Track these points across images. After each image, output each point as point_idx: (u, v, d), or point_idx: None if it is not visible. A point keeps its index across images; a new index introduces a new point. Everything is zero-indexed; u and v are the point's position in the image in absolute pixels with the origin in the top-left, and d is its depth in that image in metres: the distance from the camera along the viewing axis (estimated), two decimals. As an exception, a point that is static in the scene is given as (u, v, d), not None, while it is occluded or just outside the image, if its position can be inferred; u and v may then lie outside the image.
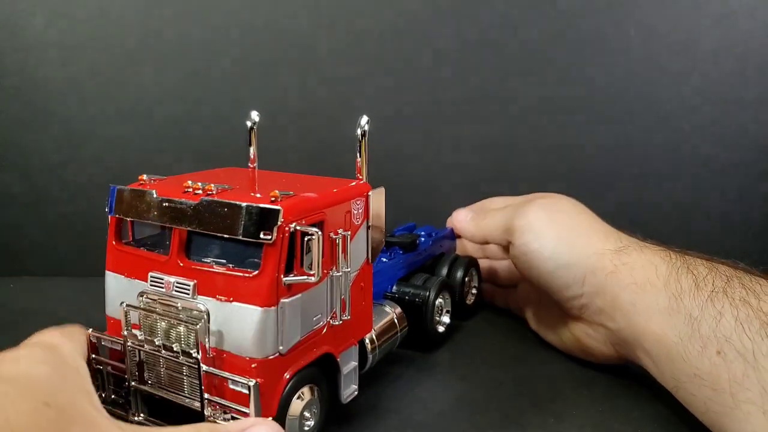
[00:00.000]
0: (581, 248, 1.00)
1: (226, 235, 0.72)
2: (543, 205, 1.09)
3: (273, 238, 0.70)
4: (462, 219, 1.26)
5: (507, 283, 1.32)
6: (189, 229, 0.75)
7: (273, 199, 0.73)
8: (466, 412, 0.93)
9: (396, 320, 1.02)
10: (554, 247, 1.02)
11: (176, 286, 0.75)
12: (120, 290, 0.80)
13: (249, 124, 0.81)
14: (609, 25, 1.51)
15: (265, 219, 0.70)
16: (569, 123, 1.55)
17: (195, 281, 0.74)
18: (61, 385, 0.62)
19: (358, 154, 0.86)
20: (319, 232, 0.72)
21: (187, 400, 0.75)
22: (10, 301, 1.35)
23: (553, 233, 1.04)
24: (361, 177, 0.87)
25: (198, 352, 0.72)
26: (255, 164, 0.81)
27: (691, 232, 1.58)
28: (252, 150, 0.82)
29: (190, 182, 0.78)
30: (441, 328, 1.15)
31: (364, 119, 0.85)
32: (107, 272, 0.83)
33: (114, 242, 0.83)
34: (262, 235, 0.70)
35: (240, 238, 0.71)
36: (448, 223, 1.34)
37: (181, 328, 0.73)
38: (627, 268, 0.95)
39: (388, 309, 1.03)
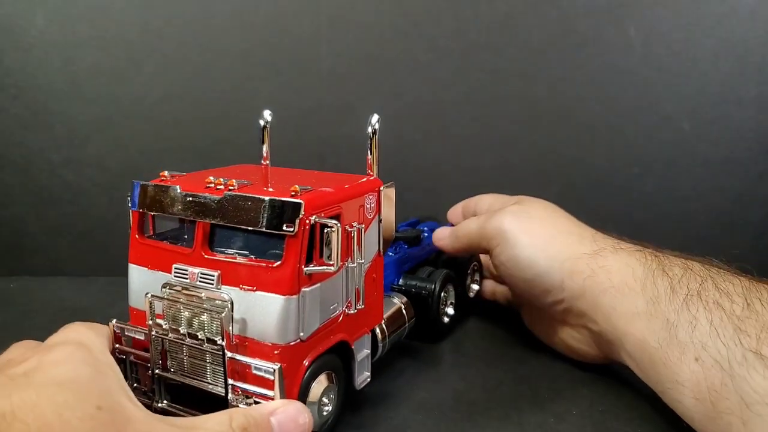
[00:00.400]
0: (556, 254, 1.00)
1: (249, 228, 0.75)
2: (515, 213, 1.08)
3: (295, 230, 0.74)
4: (441, 237, 1.21)
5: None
6: (213, 222, 0.78)
7: (293, 193, 0.76)
8: (466, 412, 0.93)
9: (404, 311, 1.07)
10: (529, 255, 1.02)
11: (200, 277, 0.78)
12: (143, 282, 0.83)
13: (262, 122, 0.83)
14: (609, 25, 1.51)
15: (288, 212, 0.74)
16: (569, 123, 1.56)
17: (219, 272, 0.77)
18: (105, 385, 0.63)
19: (368, 151, 0.89)
20: (338, 224, 0.76)
21: (210, 386, 0.77)
22: (10, 301, 1.36)
23: (526, 241, 1.03)
24: (372, 173, 0.91)
25: (222, 339, 0.75)
26: (268, 161, 0.83)
27: (691, 231, 1.58)
28: (265, 148, 0.83)
29: (212, 178, 0.81)
30: (446, 319, 1.20)
31: (375, 117, 0.88)
32: (131, 265, 0.85)
33: (137, 236, 0.85)
34: (285, 227, 0.74)
35: (263, 230, 0.75)
36: (448, 219, 1.34)
37: (205, 317, 0.76)
38: (604, 272, 0.95)
39: (396, 300, 1.07)
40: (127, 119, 1.50)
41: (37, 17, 1.45)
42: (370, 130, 0.88)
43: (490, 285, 1.36)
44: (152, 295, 0.80)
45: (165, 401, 0.82)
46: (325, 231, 0.76)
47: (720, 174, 1.57)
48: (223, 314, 0.75)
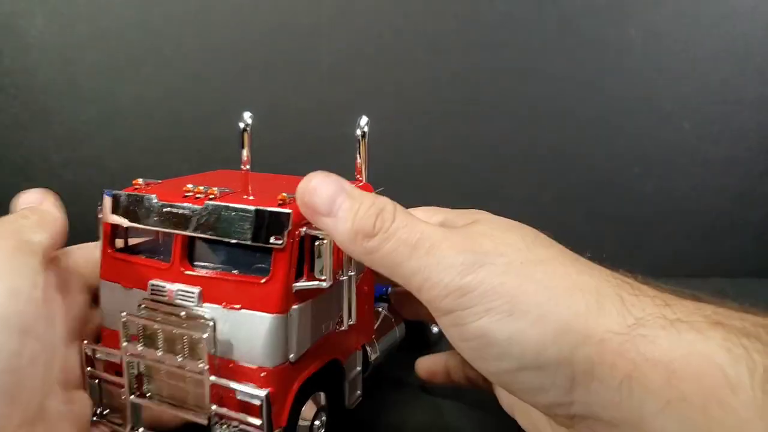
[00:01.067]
0: (562, 331, 0.55)
1: (233, 241, 0.69)
2: (492, 264, 0.59)
3: (284, 243, 0.68)
4: (327, 207, 0.65)
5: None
6: (193, 235, 0.72)
7: (281, 202, 0.70)
8: (466, 412, 0.93)
9: (395, 323, 1.01)
10: (511, 335, 0.56)
11: (179, 294, 0.72)
12: (116, 300, 0.76)
13: (242, 125, 0.77)
14: (609, 25, 1.51)
15: (276, 223, 0.68)
16: (569, 123, 1.55)
17: (200, 288, 0.71)
18: None
19: (357, 155, 0.82)
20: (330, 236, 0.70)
21: (192, 414, 0.71)
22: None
23: (505, 306, 0.56)
24: (361, 178, 0.84)
25: (204, 363, 0.68)
26: (248, 167, 0.78)
27: (691, 231, 1.58)
28: (245, 152, 0.77)
29: (190, 186, 0.75)
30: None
31: (364, 120, 0.81)
32: (102, 281, 0.78)
33: (108, 250, 0.79)
34: (273, 240, 0.68)
35: (249, 243, 0.69)
36: None
37: (186, 338, 0.70)
38: (660, 369, 0.51)
39: (386, 312, 1.01)
40: (127, 119, 1.50)
41: (36, 17, 1.45)
42: (358, 132, 0.81)
43: (433, 360, 0.94)
44: (127, 314, 0.73)
45: (141, 429, 0.76)
46: (316, 243, 0.69)
47: (720, 174, 1.57)
48: (205, 335, 0.68)
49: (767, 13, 1.49)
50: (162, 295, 0.73)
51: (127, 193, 0.78)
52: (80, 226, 1.65)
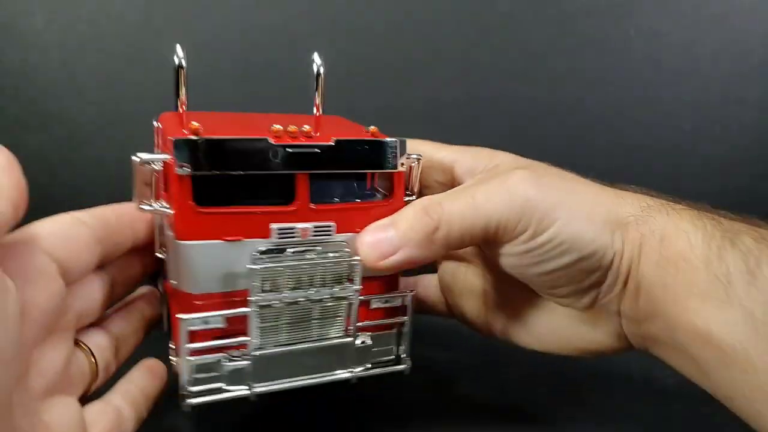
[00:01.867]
0: (603, 222, 0.73)
1: (367, 171, 0.78)
2: (528, 179, 0.77)
3: (404, 166, 0.80)
4: (387, 247, 0.74)
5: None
6: (325, 171, 0.74)
7: (371, 133, 0.81)
8: (465, 411, 0.93)
9: None
10: (575, 231, 0.73)
11: (315, 231, 0.74)
12: (218, 257, 0.72)
13: (177, 61, 0.79)
14: (609, 25, 1.51)
15: (398, 150, 0.78)
16: (569, 123, 1.55)
17: (334, 222, 0.75)
18: None
19: (316, 93, 0.88)
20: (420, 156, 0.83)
21: (333, 340, 0.77)
22: (10, 302, 1.36)
23: (564, 211, 0.73)
24: (319, 112, 0.88)
25: (358, 283, 0.76)
26: (184, 107, 0.82)
27: (691, 232, 1.58)
28: (183, 92, 0.83)
29: (276, 126, 0.74)
30: None
31: (318, 58, 0.90)
32: (188, 243, 0.70)
33: (192, 207, 0.70)
34: (400, 165, 0.78)
35: (386, 170, 0.78)
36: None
37: (335, 269, 0.75)
38: (655, 238, 0.72)
39: None
40: (127, 119, 1.50)
41: (36, 17, 1.45)
42: (315, 69, 0.88)
43: (437, 285, 0.99)
44: (260, 266, 0.71)
45: (266, 383, 0.76)
46: (412, 165, 0.82)
47: (721, 173, 1.57)
48: (355, 258, 0.75)
49: (767, 13, 1.49)
50: (292, 236, 0.73)
51: (230, 138, 0.71)
52: (80, 226, 1.64)
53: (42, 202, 1.64)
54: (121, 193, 1.59)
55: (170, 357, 0.79)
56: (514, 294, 0.86)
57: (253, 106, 1.08)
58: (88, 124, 1.50)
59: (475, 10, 1.51)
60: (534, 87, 1.54)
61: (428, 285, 0.98)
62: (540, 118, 1.55)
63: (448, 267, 0.96)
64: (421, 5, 1.51)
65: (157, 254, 0.81)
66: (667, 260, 0.70)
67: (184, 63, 0.81)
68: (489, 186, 0.76)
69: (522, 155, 1.62)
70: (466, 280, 0.93)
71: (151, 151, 0.82)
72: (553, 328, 0.84)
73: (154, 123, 0.87)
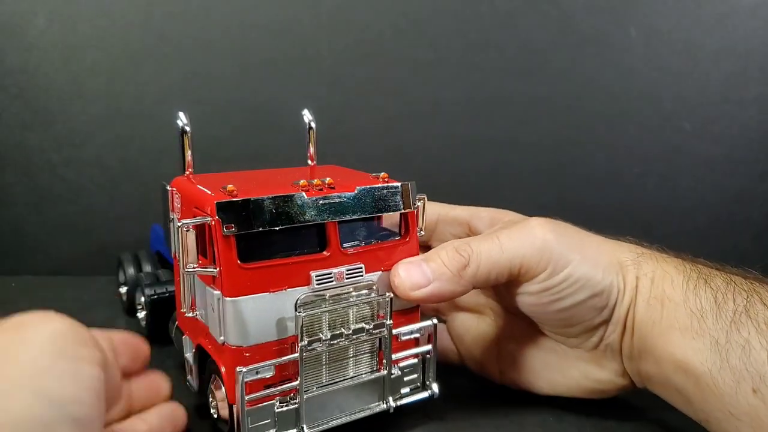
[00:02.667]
0: (608, 264, 0.84)
1: (385, 214, 0.86)
2: (545, 223, 0.86)
3: (416, 206, 0.87)
4: (417, 281, 0.82)
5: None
6: (351, 218, 0.81)
7: (383, 179, 0.87)
8: (465, 411, 0.93)
9: None
10: (586, 272, 0.82)
11: (348, 273, 0.81)
12: (264, 309, 0.77)
13: (180, 125, 0.87)
14: (609, 25, 1.51)
15: (410, 193, 0.86)
16: (569, 123, 1.56)
17: (363, 263, 0.82)
18: None
19: (309, 145, 1.01)
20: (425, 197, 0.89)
21: (370, 375, 0.84)
22: (11, 301, 1.36)
23: (577, 254, 0.83)
24: (314, 163, 1.03)
25: (390, 318, 0.82)
26: (191, 170, 0.89)
27: (692, 232, 1.58)
28: (188, 154, 0.90)
29: (304, 181, 0.81)
30: None
31: (307, 114, 1.01)
32: (236, 299, 0.75)
33: (239, 263, 0.75)
34: (413, 206, 0.87)
35: (401, 211, 0.86)
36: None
37: (368, 307, 0.82)
38: (647, 280, 0.83)
39: None
40: (127, 119, 1.50)
41: (37, 17, 1.45)
42: (307, 123, 1.00)
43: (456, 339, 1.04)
44: (305, 313, 0.76)
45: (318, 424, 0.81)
46: (418, 204, 0.88)
47: (721, 173, 1.57)
48: (386, 296, 0.81)
49: (767, 13, 1.49)
50: (329, 281, 0.80)
51: (269, 196, 0.76)
52: (81, 225, 1.66)
53: (43, 202, 1.65)
54: (122, 193, 1.60)
55: (213, 412, 0.83)
56: (525, 341, 0.94)
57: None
58: (89, 124, 1.50)
59: (476, 10, 1.51)
60: (534, 87, 1.54)
61: (440, 336, 0.98)
62: (540, 117, 1.55)
63: (459, 318, 1.03)
64: (422, 5, 1.51)
65: (188, 314, 0.83)
66: (655, 299, 0.81)
67: (188, 128, 0.87)
68: (512, 231, 0.85)
69: (522, 155, 1.63)
70: (479, 330, 1.00)
71: (163, 178, 0.92)
72: (563, 370, 0.91)
73: (168, 187, 0.91)
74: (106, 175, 1.52)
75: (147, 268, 1.29)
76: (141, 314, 1.18)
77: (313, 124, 1.02)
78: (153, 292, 1.12)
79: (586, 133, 1.56)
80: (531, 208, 1.62)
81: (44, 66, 1.47)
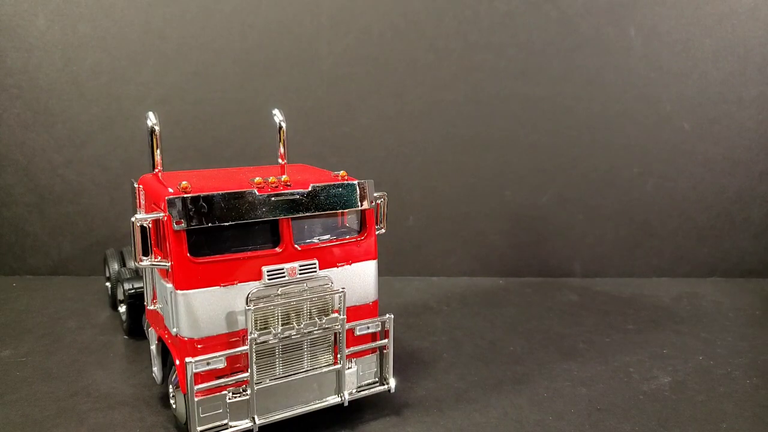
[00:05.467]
0: None
1: (341, 211, 0.86)
2: None
3: (374, 204, 0.89)
4: None
5: None
6: (304, 215, 0.83)
7: (341, 177, 0.88)
8: (465, 410, 0.94)
9: None
10: None
11: (301, 269, 0.82)
12: (216, 302, 0.79)
13: (150, 124, 0.87)
14: (609, 25, 1.51)
15: (367, 190, 0.87)
16: (569, 123, 1.56)
17: (317, 259, 0.83)
18: None
19: (281, 144, 1.04)
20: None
21: (324, 368, 0.85)
22: (12, 300, 1.36)
23: None
24: (284, 162, 1.05)
25: (344, 313, 0.84)
26: (160, 168, 0.89)
27: (691, 231, 1.59)
28: (158, 154, 0.90)
29: (259, 179, 0.82)
30: None
31: (279, 114, 1.04)
32: (188, 292, 0.77)
33: (188, 258, 0.77)
34: (367, 203, 0.87)
35: (358, 209, 0.87)
36: None
37: (321, 302, 0.83)
38: None
39: None
40: (128, 119, 1.51)
41: (38, 18, 1.46)
42: (277, 123, 1.03)
43: None
44: (256, 304, 0.79)
45: (269, 415, 0.82)
46: (378, 202, 0.90)
47: (720, 174, 1.57)
48: (340, 291, 0.84)
49: (767, 13, 1.49)
50: (281, 276, 0.81)
51: (219, 193, 0.78)
52: (82, 225, 1.66)
53: (43, 202, 1.65)
54: (122, 193, 1.60)
55: (172, 402, 0.85)
56: None
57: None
58: (90, 124, 1.51)
59: (476, 10, 1.51)
60: (534, 87, 1.54)
61: None
62: (539, 118, 1.55)
63: None
64: (422, 5, 1.51)
65: (150, 308, 0.88)
66: None
67: (157, 128, 0.89)
68: None
69: (522, 155, 1.63)
70: None
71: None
72: None
73: (135, 184, 0.92)
74: (106, 175, 1.52)
75: (131, 263, 1.30)
76: (122, 308, 1.20)
77: (283, 124, 1.04)
78: (131, 287, 1.13)
79: (585, 133, 1.56)
80: (531, 208, 1.63)
81: (45, 66, 1.48)
